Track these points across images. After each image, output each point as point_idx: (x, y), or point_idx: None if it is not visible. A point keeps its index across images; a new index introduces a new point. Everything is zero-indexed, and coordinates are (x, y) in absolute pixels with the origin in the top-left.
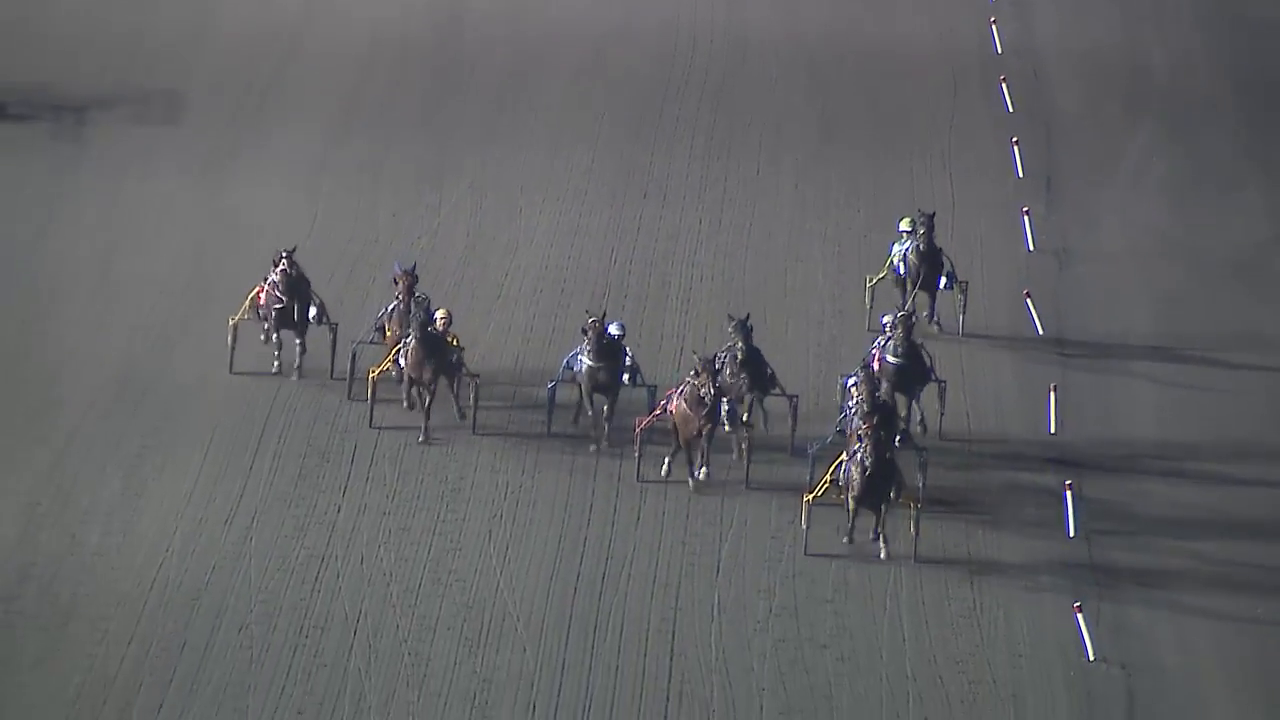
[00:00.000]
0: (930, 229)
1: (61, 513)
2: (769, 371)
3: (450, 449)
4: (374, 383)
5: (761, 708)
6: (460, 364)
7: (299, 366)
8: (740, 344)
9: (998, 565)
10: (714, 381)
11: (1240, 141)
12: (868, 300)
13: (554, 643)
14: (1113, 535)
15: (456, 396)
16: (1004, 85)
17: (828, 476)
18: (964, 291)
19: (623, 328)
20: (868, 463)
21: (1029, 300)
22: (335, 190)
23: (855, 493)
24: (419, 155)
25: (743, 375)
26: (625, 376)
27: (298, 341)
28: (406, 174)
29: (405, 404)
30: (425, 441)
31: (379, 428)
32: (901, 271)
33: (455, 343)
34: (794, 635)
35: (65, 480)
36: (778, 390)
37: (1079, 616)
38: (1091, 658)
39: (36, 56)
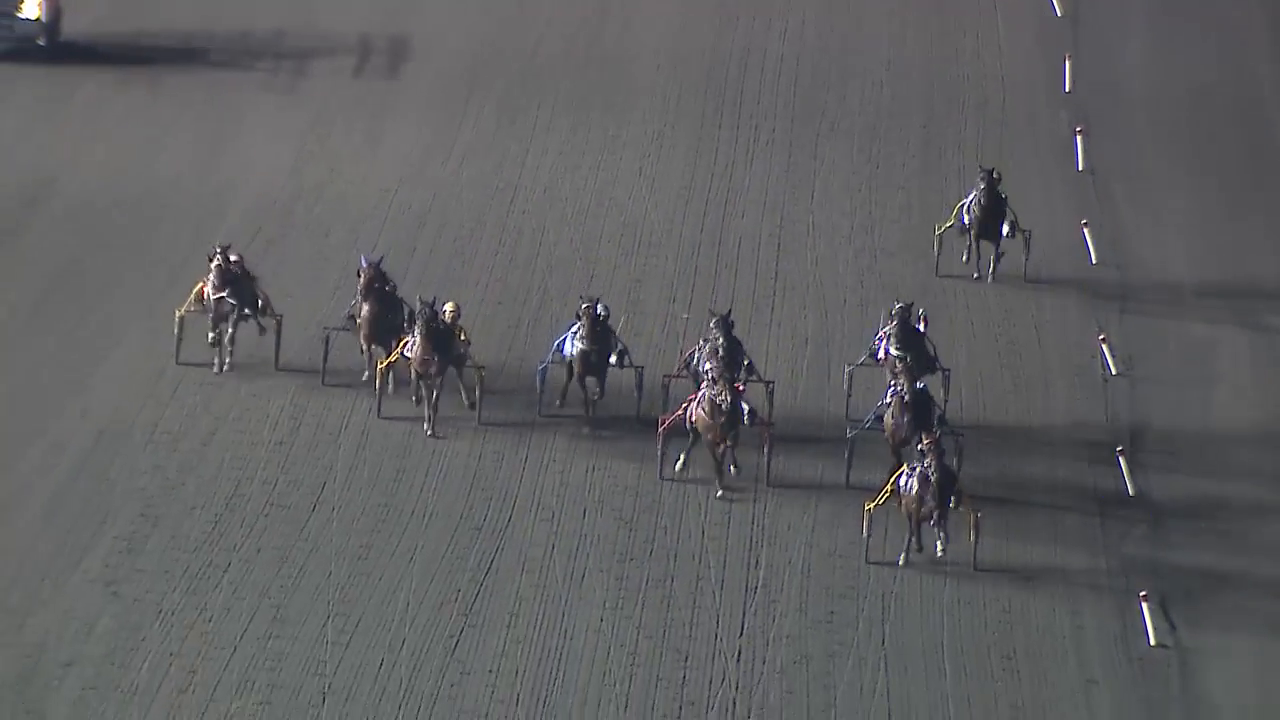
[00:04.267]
0: (990, 183)
1: (322, 152)
2: (746, 361)
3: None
4: (383, 374)
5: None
6: (467, 356)
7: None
8: (720, 338)
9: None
10: (730, 392)
11: None
12: (935, 247)
13: (689, 251)
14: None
15: (464, 388)
16: None
17: (889, 486)
18: (1027, 239)
19: (608, 309)
20: (932, 477)
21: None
22: None
23: (917, 505)
24: None
25: (723, 367)
26: (613, 358)
27: (232, 330)
28: None
29: (414, 399)
30: (432, 434)
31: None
32: (965, 222)
33: (463, 336)
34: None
35: (323, 130)
36: (755, 378)
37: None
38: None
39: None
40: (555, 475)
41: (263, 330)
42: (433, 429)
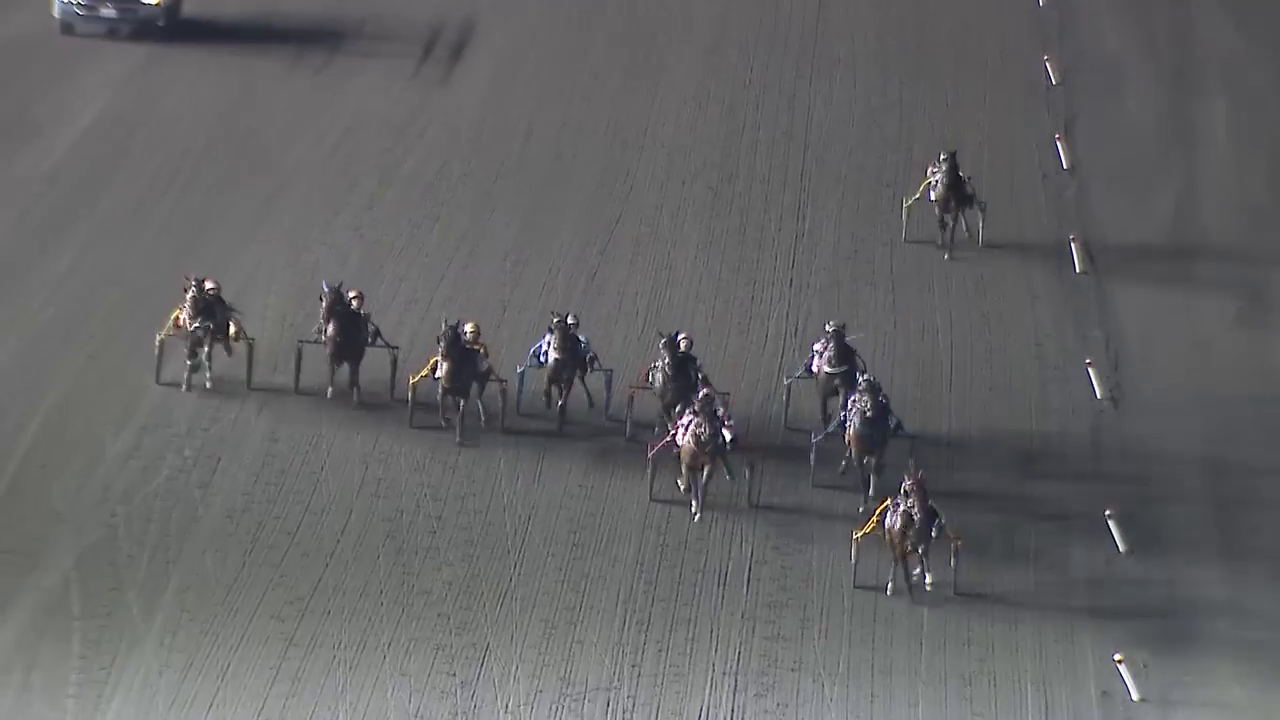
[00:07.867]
0: (954, 164)
1: None
2: (700, 375)
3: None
4: (414, 387)
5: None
6: (489, 371)
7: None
8: (668, 359)
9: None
10: (712, 424)
11: None
12: (904, 218)
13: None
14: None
15: (483, 405)
16: None
17: (874, 519)
18: (984, 210)
19: (577, 319)
20: (914, 515)
21: None
22: None
23: (899, 540)
24: None
25: (672, 386)
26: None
27: (207, 352)
28: None
29: (442, 418)
30: (461, 443)
31: (419, 426)
32: (931, 197)
33: (484, 351)
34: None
35: None
36: (710, 391)
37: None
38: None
39: None
40: None
41: (230, 352)
42: (461, 438)
